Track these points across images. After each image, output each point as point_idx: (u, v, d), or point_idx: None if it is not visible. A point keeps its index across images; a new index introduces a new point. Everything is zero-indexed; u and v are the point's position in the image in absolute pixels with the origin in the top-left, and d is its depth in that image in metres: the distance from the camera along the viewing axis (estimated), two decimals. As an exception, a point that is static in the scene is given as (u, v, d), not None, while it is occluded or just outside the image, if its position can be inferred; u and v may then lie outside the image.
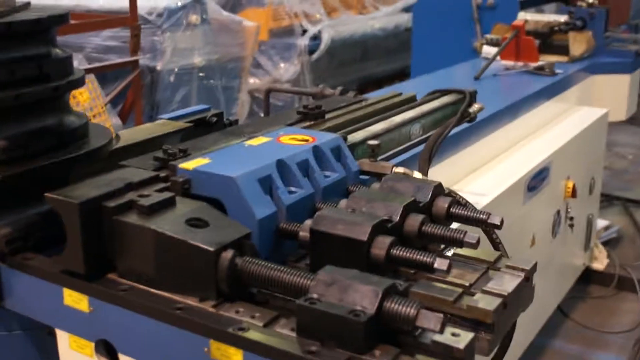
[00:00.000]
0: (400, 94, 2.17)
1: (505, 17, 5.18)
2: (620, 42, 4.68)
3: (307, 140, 1.58)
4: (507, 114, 3.17)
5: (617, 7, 6.89)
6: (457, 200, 1.52)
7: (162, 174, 1.42)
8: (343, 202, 1.42)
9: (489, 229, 1.61)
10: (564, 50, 4.29)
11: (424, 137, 1.98)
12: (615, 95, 4.33)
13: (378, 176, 1.62)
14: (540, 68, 3.82)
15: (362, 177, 1.62)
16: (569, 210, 3.49)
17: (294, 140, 1.58)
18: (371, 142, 1.64)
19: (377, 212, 1.35)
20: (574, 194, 3.43)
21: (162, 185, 1.38)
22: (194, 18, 4.57)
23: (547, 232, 3.29)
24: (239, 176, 1.35)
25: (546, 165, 3.10)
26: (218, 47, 4.78)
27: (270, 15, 6.38)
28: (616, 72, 4.35)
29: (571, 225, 3.54)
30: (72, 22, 4.20)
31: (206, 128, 1.93)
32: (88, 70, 4.07)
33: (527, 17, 4.51)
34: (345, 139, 1.65)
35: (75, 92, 3.94)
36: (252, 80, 6.46)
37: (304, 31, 6.52)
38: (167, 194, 1.33)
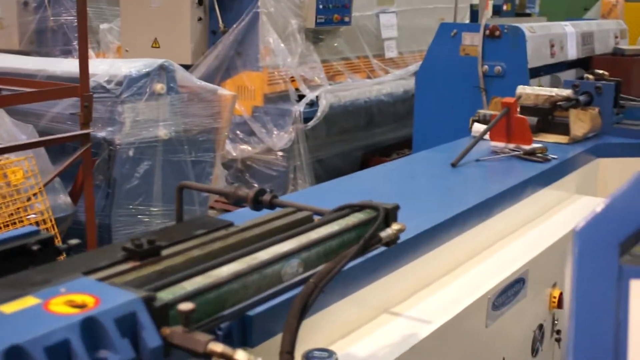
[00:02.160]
0: (295, 212, 1.72)
1: (515, 86, 4.74)
2: (633, 119, 4.18)
3: (84, 306, 1.14)
4: (479, 213, 2.70)
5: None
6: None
7: None
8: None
9: None
10: (567, 129, 3.82)
11: (303, 276, 1.52)
12: (624, 182, 3.80)
13: (191, 354, 1.18)
14: (531, 153, 3.34)
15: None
16: (556, 322, 2.97)
17: (66, 307, 1.14)
18: (183, 306, 1.19)
19: None
20: (560, 304, 2.91)
21: None
22: (159, 87, 4.19)
23: (525, 352, 2.78)
24: None
25: (520, 276, 2.60)
26: (188, 118, 4.40)
27: (265, 79, 6.00)
28: (625, 155, 3.84)
29: (558, 340, 3.02)
30: (16, 90, 3.86)
31: (28, 258, 1.51)
32: (31, 145, 3.70)
33: (527, 90, 4.04)
34: (152, 298, 1.20)
35: (7, 171, 3.58)
36: (245, 147, 6.07)
37: (301, 97, 6.13)
38: None
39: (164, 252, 1.41)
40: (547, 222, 3.09)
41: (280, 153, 5.98)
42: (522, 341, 2.75)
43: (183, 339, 1.18)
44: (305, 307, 1.44)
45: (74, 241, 1.64)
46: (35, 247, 1.52)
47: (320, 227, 1.62)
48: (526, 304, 2.68)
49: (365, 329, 2.08)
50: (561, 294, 2.92)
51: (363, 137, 6.82)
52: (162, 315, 1.21)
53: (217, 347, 1.16)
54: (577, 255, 0.99)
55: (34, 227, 1.62)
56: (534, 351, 2.84)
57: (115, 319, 1.13)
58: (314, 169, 6.19)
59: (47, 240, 1.55)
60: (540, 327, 2.87)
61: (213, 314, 1.33)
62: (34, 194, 3.51)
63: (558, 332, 3.01)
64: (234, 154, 6.03)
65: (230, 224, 1.61)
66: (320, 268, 1.54)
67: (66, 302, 1.15)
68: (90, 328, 1.11)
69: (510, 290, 2.55)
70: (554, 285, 2.92)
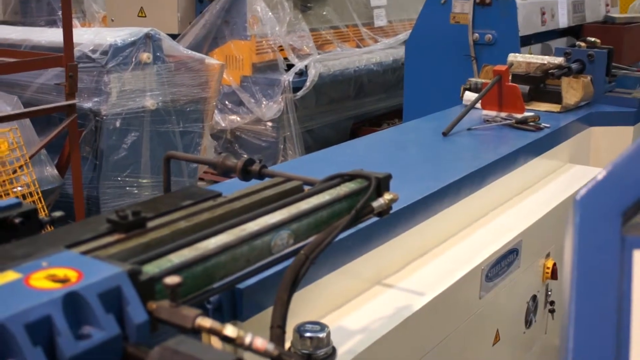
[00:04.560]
0: (284, 182, 1.68)
1: (505, 55, 4.70)
2: (625, 87, 4.14)
3: (66, 281, 1.09)
4: (472, 182, 2.65)
5: (636, 43, 6.35)
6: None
7: None
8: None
9: None
10: (559, 97, 3.77)
11: (294, 248, 1.48)
12: (616, 150, 3.77)
13: (179, 329, 1.14)
14: (523, 122, 3.30)
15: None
16: (549, 293, 2.95)
17: (48, 281, 1.09)
18: (169, 280, 1.14)
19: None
20: (554, 275, 2.89)
21: None
22: (145, 56, 4.12)
23: (518, 323, 2.76)
24: None
25: (514, 247, 2.57)
26: (175, 88, 4.33)
27: (253, 48, 5.92)
28: (617, 124, 3.80)
29: (552, 311, 3.00)
30: (0, 61, 3.78)
31: (10, 231, 1.46)
32: (16, 116, 3.63)
33: (519, 58, 3.99)
34: (137, 271, 1.16)
35: (-7, 142, 3.52)
36: (234, 117, 6.01)
37: (290, 66, 6.05)
38: None
39: (150, 224, 1.37)
40: (540, 191, 3.05)
41: (269, 123, 5.92)
42: (516, 312, 2.73)
43: (170, 313, 1.14)
44: (296, 279, 1.41)
45: (57, 213, 1.59)
46: (17, 220, 1.47)
47: (310, 197, 1.57)
48: (519, 275, 2.66)
49: (358, 301, 2.05)
50: (554, 264, 2.90)
51: (353, 107, 6.76)
52: (148, 289, 1.17)
53: (206, 322, 1.12)
54: (578, 224, 0.95)
55: (16, 199, 1.57)
56: (528, 322, 2.81)
57: (99, 293, 1.09)
58: (303, 139, 6.14)
59: (30, 213, 1.49)
60: (534, 298, 2.84)
61: (201, 288, 1.29)
62: (20, 167, 3.45)
63: (552, 303, 2.98)
64: (223, 125, 5.97)
65: (219, 195, 1.57)
66: (311, 239, 1.50)
67: (48, 277, 1.11)
68: (73, 303, 1.06)
69: (504, 261, 2.52)
70: (547, 256, 2.90)
